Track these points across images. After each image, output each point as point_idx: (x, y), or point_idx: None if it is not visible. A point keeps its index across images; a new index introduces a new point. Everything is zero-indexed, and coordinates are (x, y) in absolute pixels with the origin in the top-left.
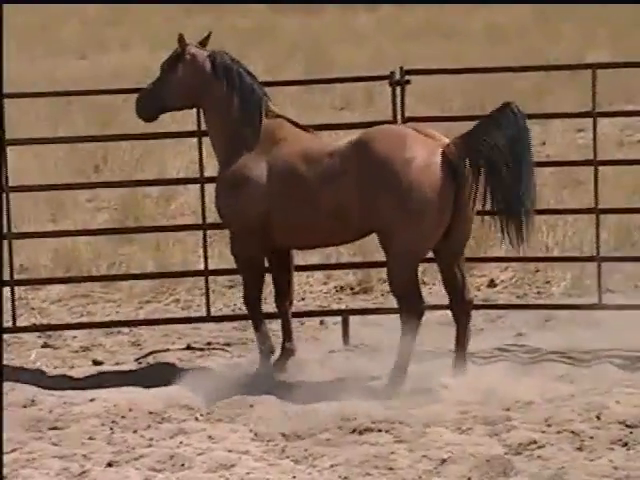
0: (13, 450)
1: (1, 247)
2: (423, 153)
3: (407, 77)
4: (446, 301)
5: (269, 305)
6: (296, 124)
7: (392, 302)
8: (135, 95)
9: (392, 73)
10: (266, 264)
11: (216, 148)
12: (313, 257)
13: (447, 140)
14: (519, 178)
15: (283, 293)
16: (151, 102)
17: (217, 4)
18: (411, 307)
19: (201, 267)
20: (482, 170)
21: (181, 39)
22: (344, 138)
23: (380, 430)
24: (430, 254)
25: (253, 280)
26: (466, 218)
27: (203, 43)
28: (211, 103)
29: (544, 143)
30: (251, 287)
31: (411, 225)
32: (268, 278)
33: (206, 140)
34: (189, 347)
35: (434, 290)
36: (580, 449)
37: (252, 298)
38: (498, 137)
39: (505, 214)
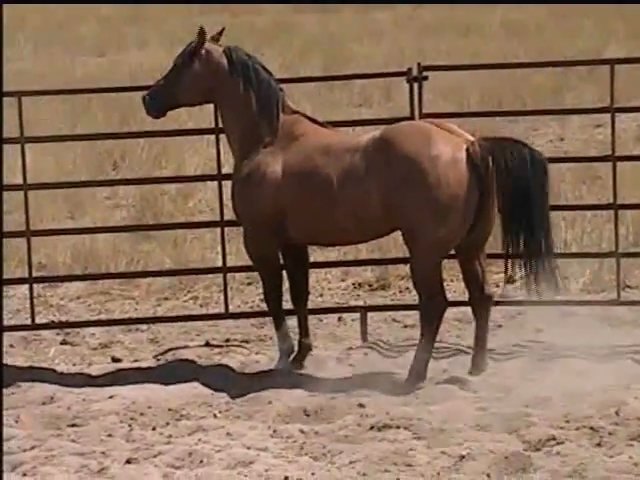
0: (32, 447)
1: (1, 243)
2: (449, 149)
3: (424, 73)
4: (463, 298)
5: (286, 302)
6: (313, 120)
7: (410, 298)
8: None
9: (409, 69)
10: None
11: (232, 144)
12: (331, 254)
13: (470, 136)
14: (529, 220)
15: (298, 289)
16: (164, 98)
17: (234, 3)
18: (434, 304)
19: (219, 264)
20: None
21: (202, 33)
22: (363, 134)
23: (399, 427)
24: (451, 250)
25: (271, 278)
26: (489, 214)
27: (216, 38)
28: (228, 99)
29: (562, 139)
30: (270, 285)
31: (437, 222)
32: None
33: (223, 137)
34: (207, 344)
35: (451, 286)
36: (599, 445)
37: (272, 296)
38: (522, 161)
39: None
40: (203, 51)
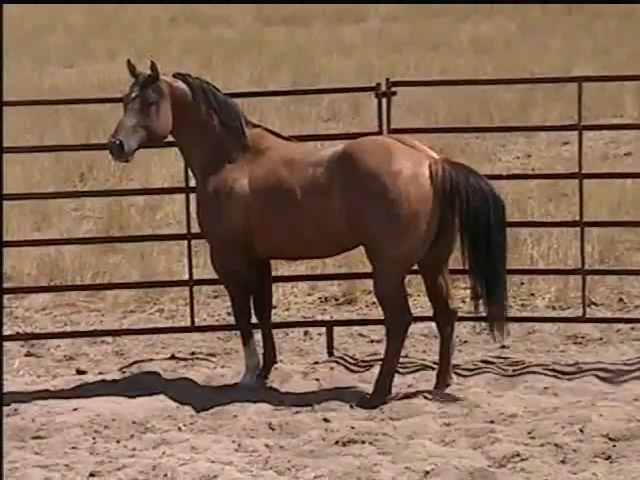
0: None
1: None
2: (410, 165)
3: (393, 89)
4: (429, 313)
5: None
6: (275, 133)
7: (376, 313)
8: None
9: (378, 84)
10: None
11: (193, 164)
12: (298, 268)
13: (432, 152)
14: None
15: (263, 303)
16: (139, 138)
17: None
18: (398, 318)
19: (185, 277)
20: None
21: (154, 67)
22: (327, 148)
23: (364, 442)
24: (414, 265)
25: (239, 293)
26: (451, 230)
27: (155, 71)
28: (189, 123)
29: (529, 156)
30: (238, 301)
31: (399, 237)
32: None
33: None
34: (173, 357)
35: (418, 301)
36: (563, 462)
37: (240, 312)
38: (482, 195)
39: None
40: (164, 83)
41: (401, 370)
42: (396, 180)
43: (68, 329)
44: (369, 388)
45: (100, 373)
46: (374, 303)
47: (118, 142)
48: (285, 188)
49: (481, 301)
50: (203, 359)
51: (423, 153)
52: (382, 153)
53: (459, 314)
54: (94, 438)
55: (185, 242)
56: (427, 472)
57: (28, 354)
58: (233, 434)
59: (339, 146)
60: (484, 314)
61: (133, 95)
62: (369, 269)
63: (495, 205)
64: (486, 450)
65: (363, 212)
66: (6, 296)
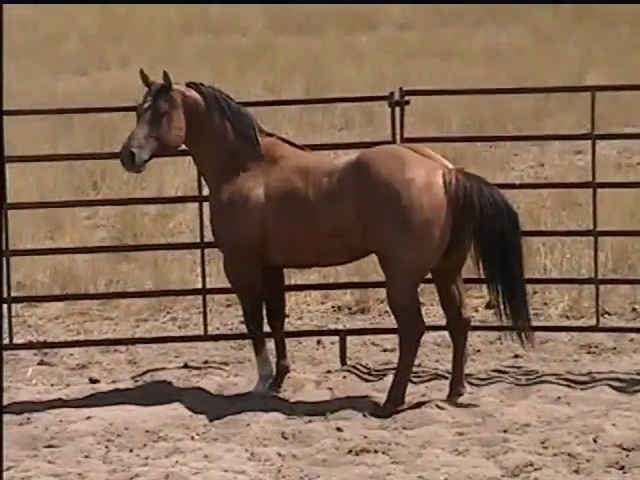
0: (8, 468)
1: (1, 264)
2: (423, 174)
3: (406, 97)
4: (442, 322)
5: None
6: (289, 142)
7: (389, 322)
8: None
9: (391, 93)
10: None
11: (207, 173)
12: (311, 276)
13: (445, 161)
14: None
15: (276, 311)
16: (153, 149)
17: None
18: (411, 327)
19: (199, 285)
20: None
21: (167, 76)
22: (341, 157)
23: (377, 451)
24: (428, 274)
25: (252, 302)
26: (464, 239)
27: (168, 80)
28: (204, 133)
29: (542, 165)
30: (250, 309)
31: (412, 246)
32: None
33: None
34: (186, 366)
35: (431, 310)
36: (577, 472)
37: (252, 320)
38: (497, 207)
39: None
40: (177, 93)
41: (414, 379)
42: (409, 189)
43: (81, 338)
44: (382, 397)
45: (113, 382)
46: (387, 312)
47: (130, 153)
48: (300, 197)
49: (500, 310)
50: (216, 368)
51: (437, 162)
52: (396, 162)
53: (472, 323)
54: (107, 447)
55: (198, 251)
56: None
57: (41, 363)
58: (246, 443)
59: (353, 155)
60: (505, 323)
61: (145, 105)
62: (382, 278)
63: (509, 215)
64: (499, 460)
65: (376, 220)
66: (19, 304)
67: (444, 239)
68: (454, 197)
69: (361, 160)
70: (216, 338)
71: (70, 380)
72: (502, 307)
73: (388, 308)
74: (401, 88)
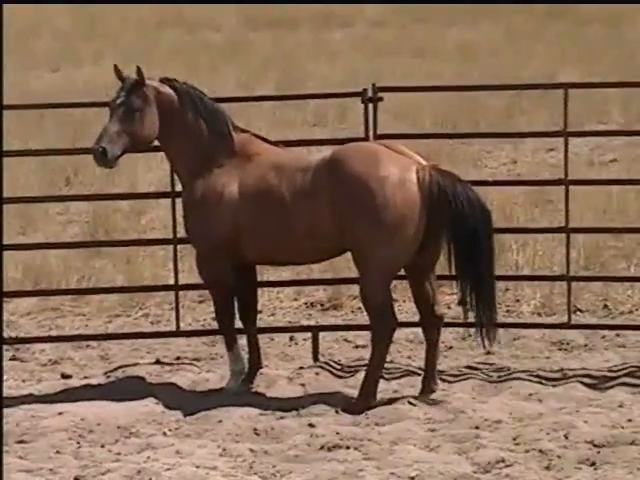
0: None
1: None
2: (397, 171)
3: (379, 94)
4: (415, 319)
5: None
6: (263, 138)
7: (362, 319)
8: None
9: (364, 90)
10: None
11: (180, 169)
12: (284, 273)
13: (419, 158)
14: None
15: (248, 307)
16: (124, 144)
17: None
18: (384, 324)
19: (171, 282)
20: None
21: (140, 72)
22: (315, 154)
23: (349, 447)
24: (401, 270)
25: (224, 299)
26: (438, 236)
27: (141, 76)
28: (176, 129)
29: (515, 162)
30: (222, 306)
31: (385, 243)
32: None
33: None
34: (158, 362)
35: (403, 307)
36: (548, 468)
37: (224, 317)
38: (470, 204)
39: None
40: (150, 89)
41: (386, 376)
42: (383, 185)
43: (53, 333)
44: (354, 393)
45: (85, 377)
46: (359, 308)
47: (101, 149)
48: (274, 193)
49: (469, 307)
50: (188, 364)
51: (410, 159)
52: (370, 159)
53: (445, 320)
54: (78, 442)
55: (171, 247)
56: (412, 478)
57: (13, 358)
58: (218, 439)
59: (327, 152)
60: (473, 320)
61: (118, 101)
62: (355, 274)
63: (482, 212)
64: (471, 456)
65: (350, 217)
66: None
67: (418, 236)
68: (428, 194)
69: (335, 157)
70: (188, 334)
71: (42, 376)
72: (471, 304)
73: (361, 305)
74: (374, 85)
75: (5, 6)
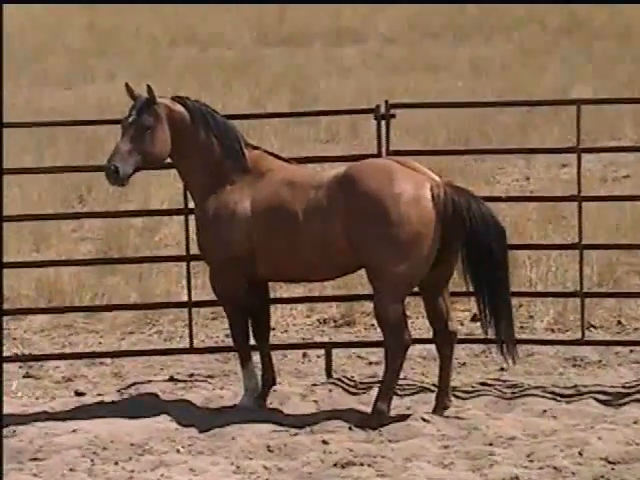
0: None
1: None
2: (411, 187)
3: (392, 111)
4: (428, 335)
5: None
6: (275, 155)
7: (375, 335)
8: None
9: (377, 107)
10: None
11: (193, 186)
12: (296, 289)
13: (433, 174)
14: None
15: (261, 324)
16: (136, 163)
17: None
18: (397, 340)
19: (184, 298)
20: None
21: (150, 90)
22: (328, 170)
23: (362, 464)
24: (415, 287)
25: (238, 316)
26: (452, 252)
27: (152, 95)
28: (189, 147)
29: (528, 178)
30: (237, 322)
31: (400, 260)
32: None
33: None
34: (172, 379)
35: (417, 323)
36: None
37: (239, 333)
38: (484, 221)
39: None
40: (162, 107)
41: (400, 392)
42: (398, 202)
43: (66, 350)
44: (368, 410)
45: (98, 395)
46: (373, 325)
47: (114, 167)
48: (287, 210)
49: (487, 323)
50: (202, 381)
51: (424, 175)
52: (384, 176)
53: (458, 336)
54: (92, 460)
55: (184, 264)
56: None
57: (26, 375)
58: (231, 456)
59: (340, 168)
60: (492, 337)
61: (130, 119)
62: (368, 291)
63: (496, 229)
64: (485, 473)
65: (365, 234)
66: (4, 317)
67: (432, 252)
68: (442, 211)
69: (349, 174)
70: (202, 351)
71: (55, 393)
72: (487, 320)
73: (374, 321)
74: (387, 101)
75: (17, 23)
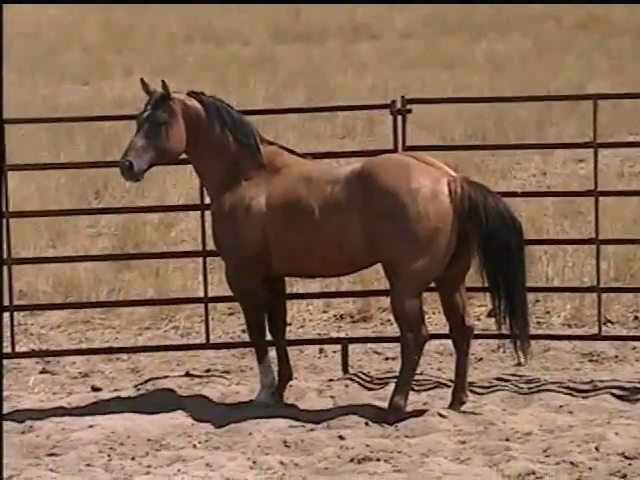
0: (10, 477)
1: (1, 273)
2: (428, 183)
3: (408, 106)
4: (444, 330)
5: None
6: (291, 151)
7: (392, 330)
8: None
9: (393, 102)
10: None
11: (208, 182)
12: (313, 285)
13: (450, 170)
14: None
15: (278, 319)
16: (151, 158)
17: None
18: (414, 335)
19: (200, 294)
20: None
21: (165, 86)
22: (345, 166)
23: (379, 459)
24: (431, 282)
25: (254, 310)
26: (469, 248)
27: (166, 90)
28: (204, 142)
29: (545, 173)
30: (253, 318)
31: (418, 255)
32: None
33: None
34: (188, 374)
35: (433, 319)
36: None
37: (255, 329)
38: (501, 216)
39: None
40: (177, 102)
41: (416, 387)
42: (415, 198)
43: (83, 346)
44: (384, 405)
45: (115, 390)
46: (389, 320)
47: (128, 162)
48: (303, 206)
49: (502, 319)
50: (218, 376)
51: (441, 171)
52: (401, 171)
53: (474, 331)
54: (109, 455)
55: (200, 259)
56: None
57: (43, 371)
58: (248, 451)
59: (357, 164)
60: (507, 332)
61: (145, 115)
62: (384, 286)
63: (513, 224)
64: (501, 468)
65: (382, 230)
66: (21, 313)
67: (449, 248)
68: (459, 206)
69: (366, 169)
70: (218, 347)
71: (72, 388)
72: (503, 316)
73: (390, 316)
74: (403, 97)
75: (34, 22)
